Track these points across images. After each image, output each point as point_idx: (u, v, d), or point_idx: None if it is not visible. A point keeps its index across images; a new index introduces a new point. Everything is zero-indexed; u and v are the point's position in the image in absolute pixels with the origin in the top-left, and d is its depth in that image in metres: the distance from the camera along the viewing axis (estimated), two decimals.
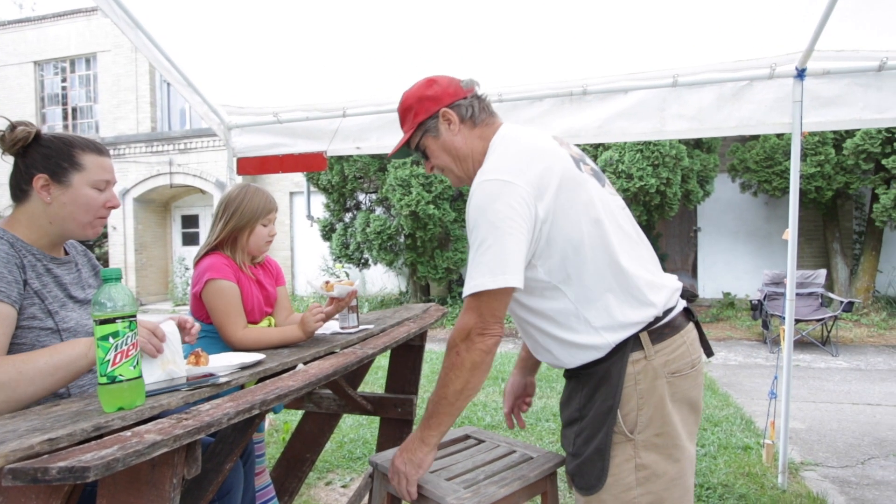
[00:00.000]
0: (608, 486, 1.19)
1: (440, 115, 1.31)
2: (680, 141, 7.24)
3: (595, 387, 1.21)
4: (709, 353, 1.34)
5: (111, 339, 0.95)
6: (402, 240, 8.78)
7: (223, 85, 3.23)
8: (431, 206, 8.02)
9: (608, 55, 2.69)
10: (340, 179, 9.08)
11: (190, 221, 13.53)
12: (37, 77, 14.17)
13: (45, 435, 0.81)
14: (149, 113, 13.07)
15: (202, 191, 12.45)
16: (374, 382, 4.76)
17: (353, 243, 9.14)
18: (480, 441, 1.72)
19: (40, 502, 0.97)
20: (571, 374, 1.31)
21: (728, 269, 9.55)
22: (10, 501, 0.99)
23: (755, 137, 8.11)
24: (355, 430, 3.72)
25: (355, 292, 1.82)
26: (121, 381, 0.96)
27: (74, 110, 14.06)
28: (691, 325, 1.29)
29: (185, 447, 0.95)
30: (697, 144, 7.92)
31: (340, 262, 9.42)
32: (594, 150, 7.74)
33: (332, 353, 1.64)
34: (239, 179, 3.77)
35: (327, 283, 1.75)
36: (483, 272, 1.13)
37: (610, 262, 1.18)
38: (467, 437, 1.77)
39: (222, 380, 1.18)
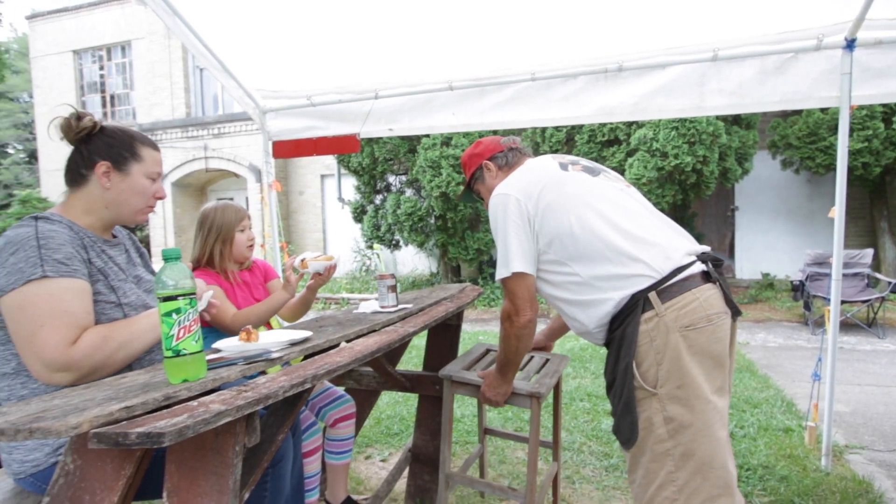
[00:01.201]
0: (643, 440, 1.32)
1: (483, 166, 1.75)
2: (717, 117, 7.02)
3: (618, 348, 1.37)
4: (735, 311, 1.43)
5: (174, 316, 1.01)
6: (432, 221, 8.83)
7: (258, 69, 3.29)
8: (462, 187, 8.01)
9: (645, 30, 2.63)
10: (371, 161, 9.15)
11: None
12: (76, 66, 14.60)
13: (122, 403, 0.88)
14: (183, 99, 13.34)
15: (236, 175, 12.70)
16: (409, 361, 4.85)
17: (384, 225, 9.23)
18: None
19: (115, 466, 1.05)
20: (606, 345, 1.48)
21: (767, 250, 9.29)
22: (88, 465, 1.07)
23: (797, 112, 7.80)
24: (392, 406, 3.81)
25: (334, 267, 2.01)
26: (185, 355, 1.02)
27: (112, 97, 14.46)
28: (709, 285, 1.39)
29: (245, 417, 1.01)
30: (736, 120, 7.67)
31: (371, 243, 9.52)
32: (627, 129, 7.58)
33: (374, 331, 1.69)
34: (273, 163, 3.85)
35: (303, 260, 1.96)
36: (499, 265, 1.49)
37: (600, 236, 1.39)
38: (488, 350, 2.28)
39: (275, 355, 1.24)
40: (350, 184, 10.55)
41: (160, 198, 1.51)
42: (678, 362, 1.29)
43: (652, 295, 1.32)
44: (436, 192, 8.05)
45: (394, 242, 9.48)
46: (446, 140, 8.30)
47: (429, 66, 3.08)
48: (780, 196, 9.24)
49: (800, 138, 7.62)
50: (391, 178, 9.69)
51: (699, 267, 1.40)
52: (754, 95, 2.65)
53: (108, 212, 1.43)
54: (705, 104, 2.70)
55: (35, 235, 1.24)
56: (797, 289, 6.53)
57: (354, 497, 2.29)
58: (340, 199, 11.52)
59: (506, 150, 1.74)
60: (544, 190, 1.47)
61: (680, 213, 8.35)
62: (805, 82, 2.58)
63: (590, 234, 1.40)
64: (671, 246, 1.41)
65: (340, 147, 3.55)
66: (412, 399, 3.93)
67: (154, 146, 1.51)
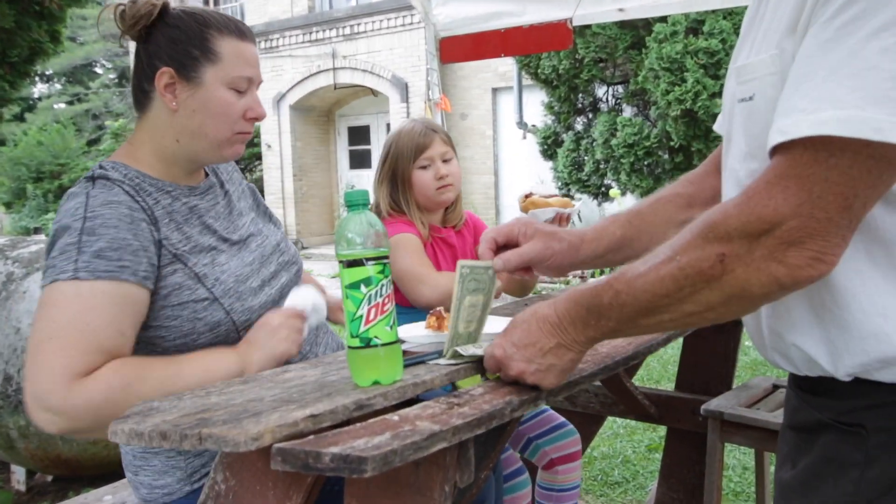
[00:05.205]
0: None
1: None
2: None
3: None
4: None
5: (363, 288, 1.05)
6: (666, 156, 8.52)
7: None
8: (719, 101, 7.54)
9: None
10: (571, 65, 9.03)
11: (359, 135, 14.81)
12: None
13: (304, 410, 0.94)
14: None
15: (373, 92, 13.44)
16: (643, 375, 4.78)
17: (588, 162, 9.12)
18: None
19: (279, 493, 1.14)
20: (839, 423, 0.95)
21: None
22: (244, 489, 1.18)
23: None
24: (609, 441, 3.79)
25: (567, 218, 1.88)
26: (376, 346, 1.06)
27: None
28: None
29: (458, 444, 1.02)
30: None
31: (612, 187, 9.35)
32: None
33: None
34: (437, 72, 3.93)
35: (529, 195, 1.89)
36: (872, 95, 0.74)
37: None
38: (776, 387, 2.26)
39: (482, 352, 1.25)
40: (537, 101, 10.53)
41: (255, 118, 1.45)
42: None
43: None
44: (675, 109, 7.71)
45: (603, 189, 9.33)
46: (694, 26, 7.83)
47: None
48: None
49: None
50: (601, 91, 9.49)
51: None
52: None
53: (180, 148, 1.41)
54: None
55: (83, 212, 1.27)
56: None
57: None
58: (521, 125, 11.59)
59: None
60: None
61: None
62: None
63: None
64: None
65: (541, 42, 3.51)
66: (640, 432, 3.87)
67: (241, 34, 1.43)
